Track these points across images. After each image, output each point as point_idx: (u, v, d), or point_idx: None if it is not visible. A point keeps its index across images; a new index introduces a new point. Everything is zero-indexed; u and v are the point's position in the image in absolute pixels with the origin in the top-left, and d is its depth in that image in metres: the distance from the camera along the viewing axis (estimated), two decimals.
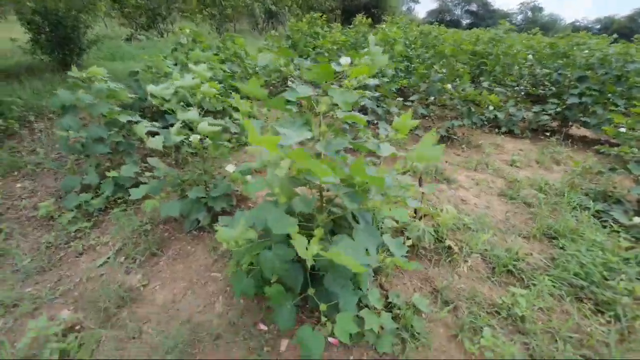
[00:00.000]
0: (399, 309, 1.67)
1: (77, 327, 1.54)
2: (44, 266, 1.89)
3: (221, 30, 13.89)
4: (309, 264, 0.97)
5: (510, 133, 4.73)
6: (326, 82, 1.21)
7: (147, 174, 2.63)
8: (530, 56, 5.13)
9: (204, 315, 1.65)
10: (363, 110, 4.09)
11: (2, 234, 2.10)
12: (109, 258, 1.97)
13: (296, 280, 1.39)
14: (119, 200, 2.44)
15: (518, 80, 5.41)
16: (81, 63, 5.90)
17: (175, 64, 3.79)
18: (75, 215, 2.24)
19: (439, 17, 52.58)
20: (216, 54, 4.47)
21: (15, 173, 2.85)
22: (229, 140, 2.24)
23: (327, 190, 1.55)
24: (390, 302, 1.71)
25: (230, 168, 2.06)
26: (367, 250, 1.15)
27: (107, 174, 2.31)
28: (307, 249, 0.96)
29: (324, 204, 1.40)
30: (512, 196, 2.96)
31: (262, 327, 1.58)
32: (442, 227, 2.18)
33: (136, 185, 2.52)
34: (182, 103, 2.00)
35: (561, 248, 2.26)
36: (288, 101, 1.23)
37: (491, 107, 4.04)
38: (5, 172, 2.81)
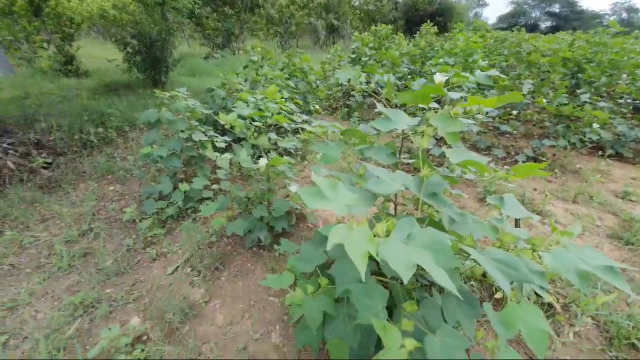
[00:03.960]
0: None
1: (144, 338, 1.59)
2: (122, 269, 2.04)
3: (285, 46, 14.68)
4: None
5: (617, 157, 3.87)
6: (421, 106, 1.04)
7: (215, 186, 2.75)
8: None
9: (261, 345, 1.57)
10: None
11: (92, 234, 2.36)
12: (177, 268, 2.05)
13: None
14: (189, 211, 2.58)
15: (627, 93, 4.46)
16: (167, 80, 6.69)
17: (246, 80, 3.99)
18: (152, 222, 2.41)
19: (513, 21, 47.89)
20: (281, 69, 4.63)
21: (110, 177, 3.25)
22: (292, 157, 2.20)
23: None
24: None
25: (293, 188, 2.00)
26: (458, 324, 0.91)
27: (180, 185, 2.46)
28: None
29: None
30: (629, 240, 2.35)
31: None
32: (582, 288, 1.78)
33: (207, 196, 2.64)
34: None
35: None
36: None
37: (595, 125, 3.35)
38: (101, 176, 3.23)
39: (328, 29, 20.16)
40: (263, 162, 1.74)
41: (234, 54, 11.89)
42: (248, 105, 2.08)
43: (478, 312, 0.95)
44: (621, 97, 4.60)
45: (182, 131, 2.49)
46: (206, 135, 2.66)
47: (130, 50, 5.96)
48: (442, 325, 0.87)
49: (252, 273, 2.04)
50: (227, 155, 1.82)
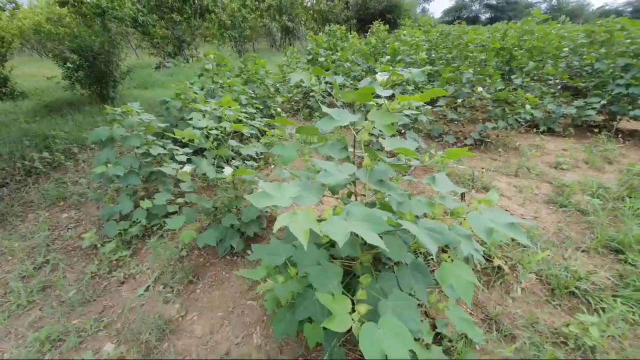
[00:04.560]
0: (450, 340, 1.53)
1: None
2: (88, 297, 1.95)
3: (241, 50, 14.44)
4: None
5: (550, 132, 4.38)
6: (364, 103, 1.14)
7: (180, 199, 2.70)
8: (566, 48, 4.75)
9: (243, 348, 1.60)
10: None
11: (49, 266, 2.22)
12: (148, 287, 2.00)
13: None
14: (155, 228, 2.51)
15: (553, 74, 5.04)
16: (116, 94, 6.32)
17: (203, 89, 3.92)
18: (116, 244, 2.32)
19: (456, 14, 51.21)
20: (238, 75, 4.60)
21: (62, 203, 3.04)
22: (256, 161, 2.24)
23: None
24: (439, 333, 1.56)
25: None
26: (413, 290, 1.03)
27: (141, 203, 2.38)
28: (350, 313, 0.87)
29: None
30: (562, 203, 2.69)
31: None
32: (489, 244, 2.00)
33: (172, 211, 2.58)
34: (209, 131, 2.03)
35: (629, 263, 2.00)
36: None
37: (527, 106, 3.76)
38: (52, 203, 3.01)
39: (283, 31, 20.15)
40: (228, 171, 1.77)
41: (187, 62, 11.48)
42: (204, 116, 2.08)
43: (430, 280, 1.07)
44: (551, 79, 5.20)
45: (137, 147, 2.41)
46: (165, 148, 2.60)
47: (71, 66, 5.55)
48: (396, 291, 0.98)
49: (228, 281, 2.05)
50: (188, 168, 1.82)
